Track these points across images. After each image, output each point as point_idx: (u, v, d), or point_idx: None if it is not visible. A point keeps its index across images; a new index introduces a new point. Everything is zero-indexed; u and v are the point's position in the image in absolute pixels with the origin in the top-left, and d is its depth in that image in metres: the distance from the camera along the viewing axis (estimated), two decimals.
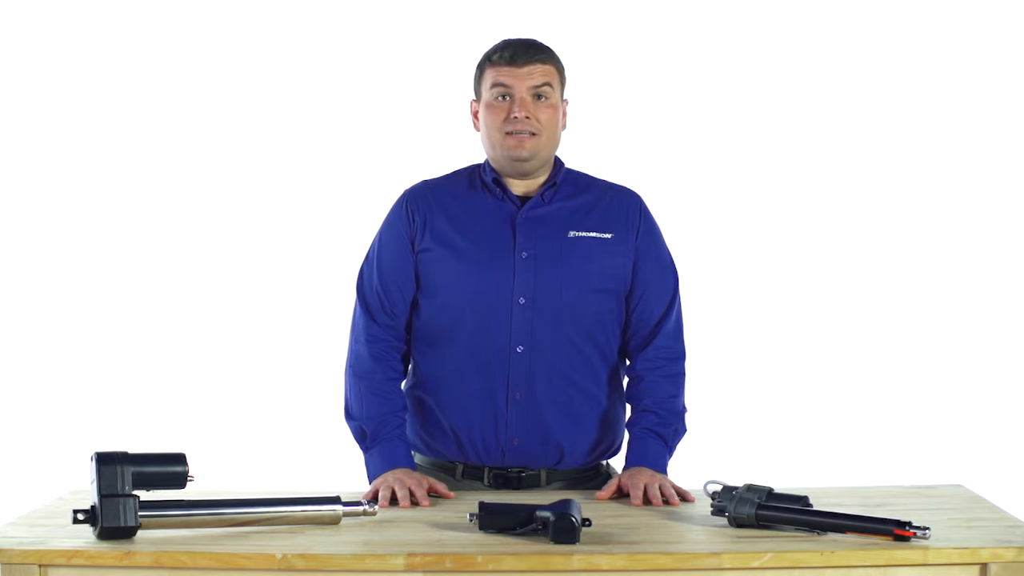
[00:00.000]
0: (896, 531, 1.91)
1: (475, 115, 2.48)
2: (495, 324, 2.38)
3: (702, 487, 2.16)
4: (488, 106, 2.42)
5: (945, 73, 4.11)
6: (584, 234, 2.44)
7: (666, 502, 2.24)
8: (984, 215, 4.13)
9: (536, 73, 2.40)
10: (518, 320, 2.38)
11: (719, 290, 3.96)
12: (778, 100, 4.14)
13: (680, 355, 2.49)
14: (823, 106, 4.14)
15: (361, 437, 2.43)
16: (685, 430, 2.47)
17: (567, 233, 2.43)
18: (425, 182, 2.54)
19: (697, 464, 2.56)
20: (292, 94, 4.15)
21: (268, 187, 4.15)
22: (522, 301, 2.39)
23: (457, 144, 2.79)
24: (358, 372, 2.46)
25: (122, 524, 1.91)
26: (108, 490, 1.91)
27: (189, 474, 1.97)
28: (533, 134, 2.39)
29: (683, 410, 2.47)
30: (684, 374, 2.48)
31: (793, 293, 4.13)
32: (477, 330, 2.39)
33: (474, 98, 2.48)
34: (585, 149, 2.75)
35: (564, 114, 2.48)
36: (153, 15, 4.10)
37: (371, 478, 2.37)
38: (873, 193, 4.15)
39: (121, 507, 1.91)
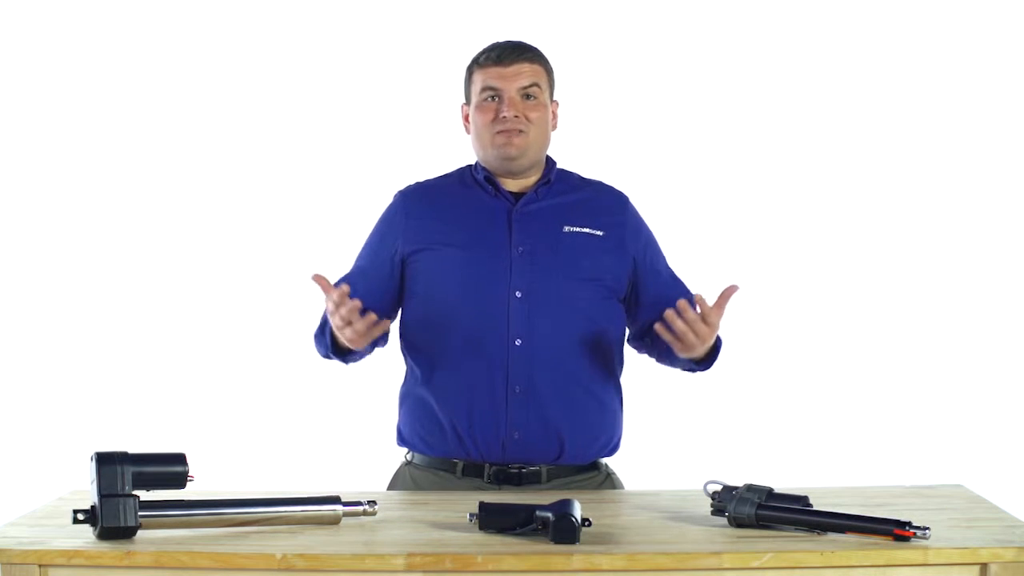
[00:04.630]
0: (896, 531, 1.91)
1: (466, 119, 2.53)
2: (493, 317, 2.40)
3: (702, 487, 2.15)
4: (478, 107, 2.46)
5: (945, 73, 4.11)
6: (578, 229, 2.47)
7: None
8: (984, 215, 4.13)
9: (524, 72, 2.44)
10: (516, 313, 2.39)
11: (717, 290, 3.96)
12: (772, 101, 4.14)
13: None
14: (818, 107, 4.14)
15: (322, 331, 2.44)
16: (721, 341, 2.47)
17: (562, 228, 2.46)
18: (417, 184, 2.59)
19: (697, 464, 2.56)
20: (289, 96, 4.15)
21: (266, 188, 4.15)
22: (518, 294, 2.40)
23: (451, 145, 2.80)
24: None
25: (122, 524, 1.91)
26: (108, 490, 1.91)
27: (189, 474, 1.97)
28: (522, 132, 2.42)
29: None
30: None
31: (792, 294, 4.13)
32: (475, 324, 2.40)
33: (464, 103, 2.53)
34: (576, 150, 2.75)
35: (554, 115, 2.53)
36: (152, 15, 4.10)
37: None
38: (872, 193, 4.15)
39: (121, 507, 1.91)
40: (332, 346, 2.42)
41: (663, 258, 2.58)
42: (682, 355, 2.39)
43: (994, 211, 4.12)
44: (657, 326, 2.34)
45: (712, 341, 2.37)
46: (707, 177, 4.14)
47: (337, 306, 2.27)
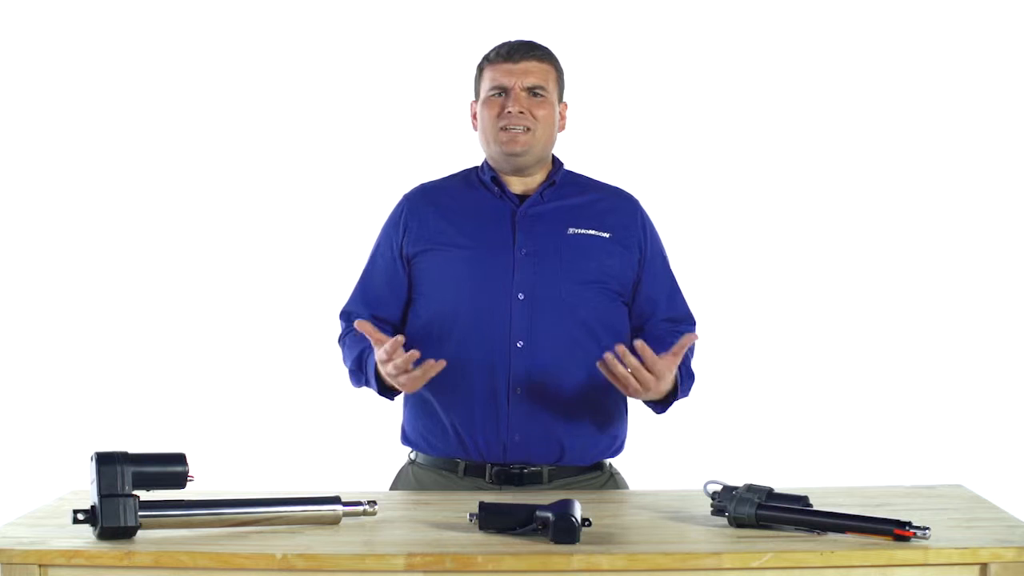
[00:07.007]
0: (896, 531, 1.91)
1: (474, 116, 2.52)
2: (495, 320, 2.39)
3: (702, 487, 2.16)
4: (484, 102, 2.47)
5: (945, 73, 4.12)
6: (583, 231, 2.46)
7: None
8: (984, 215, 4.13)
9: (532, 70, 2.44)
10: (518, 315, 2.39)
11: (718, 290, 3.96)
12: (776, 103, 4.15)
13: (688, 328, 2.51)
14: (821, 108, 4.14)
15: (359, 366, 2.42)
16: (693, 377, 2.45)
17: (566, 230, 2.46)
18: (422, 186, 2.58)
19: (697, 464, 2.55)
20: (296, 98, 4.16)
21: (268, 189, 4.16)
22: (521, 297, 2.40)
23: (458, 147, 2.80)
24: (343, 335, 2.49)
25: (122, 524, 1.91)
26: (108, 490, 1.91)
27: (189, 474, 1.97)
28: (528, 129, 2.41)
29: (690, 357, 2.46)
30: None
31: (793, 293, 4.13)
32: (477, 326, 2.40)
33: (474, 100, 2.52)
34: (582, 150, 2.76)
35: (562, 116, 2.51)
36: (153, 16, 4.10)
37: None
38: (872, 193, 4.15)
39: (121, 507, 1.91)
40: (380, 388, 2.39)
41: (667, 264, 2.56)
42: (631, 396, 2.35)
43: (994, 211, 4.13)
44: (599, 363, 2.27)
45: (664, 387, 2.30)
46: (710, 178, 4.15)
47: (390, 355, 2.23)
